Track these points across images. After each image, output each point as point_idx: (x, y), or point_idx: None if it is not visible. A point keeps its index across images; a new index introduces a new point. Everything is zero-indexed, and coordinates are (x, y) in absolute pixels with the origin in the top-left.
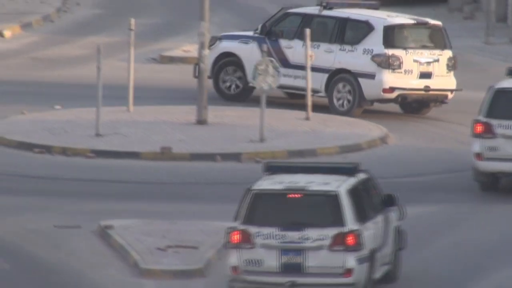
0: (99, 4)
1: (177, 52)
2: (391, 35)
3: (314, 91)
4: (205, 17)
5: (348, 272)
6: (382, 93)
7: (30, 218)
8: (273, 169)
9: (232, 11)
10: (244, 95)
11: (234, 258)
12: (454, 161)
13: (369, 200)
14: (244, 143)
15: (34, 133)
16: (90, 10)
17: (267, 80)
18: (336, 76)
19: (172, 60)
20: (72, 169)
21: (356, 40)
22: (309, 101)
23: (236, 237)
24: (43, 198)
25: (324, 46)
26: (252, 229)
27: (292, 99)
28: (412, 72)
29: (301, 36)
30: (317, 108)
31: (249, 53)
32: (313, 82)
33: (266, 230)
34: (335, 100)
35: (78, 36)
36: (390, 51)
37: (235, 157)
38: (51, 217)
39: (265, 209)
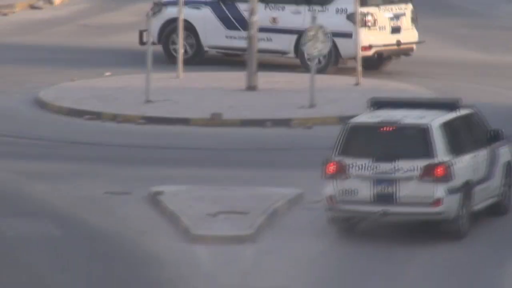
0: None
1: None
2: None
3: (282, 52)
4: None
5: (437, 202)
6: (360, 51)
7: (81, 185)
8: (377, 104)
9: None
10: (195, 60)
11: (330, 188)
12: None
13: (469, 134)
14: (294, 109)
15: (84, 99)
16: None
17: (317, 46)
18: None
19: None
20: (122, 136)
21: (326, 1)
22: (359, 66)
23: (331, 168)
24: (94, 165)
25: (290, 8)
26: (347, 161)
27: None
28: (385, 28)
29: None
30: (367, 73)
31: (202, 19)
32: (280, 43)
33: (360, 162)
34: (307, 59)
35: (127, 3)
36: (365, 9)
37: (285, 123)
38: (102, 183)
39: (360, 141)
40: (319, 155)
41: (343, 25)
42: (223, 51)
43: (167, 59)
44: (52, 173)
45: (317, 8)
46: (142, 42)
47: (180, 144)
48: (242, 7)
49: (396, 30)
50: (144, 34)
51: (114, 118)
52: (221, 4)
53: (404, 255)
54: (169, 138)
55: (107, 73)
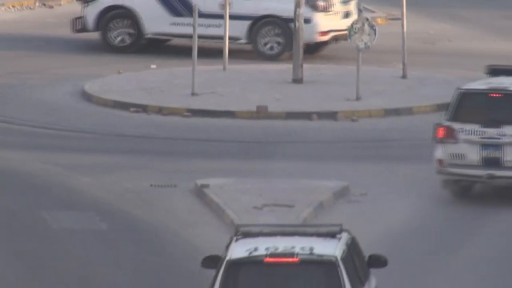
0: None
1: None
2: None
3: (234, 38)
4: None
5: None
6: (318, 36)
7: (127, 177)
8: (493, 71)
9: None
10: (135, 47)
11: (439, 152)
12: None
13: None
14: (340, 101)
15: (130, 92)
16: None
17: (363, 38)
18: (260, 22)
19: None
20: (168, 128)
21: None
22: (405, 59)
23: (441, 132)
24: (139, 157)
25: None
26: (456, 126)
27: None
28: (339, 13)
29: None
30: (412, 67)
31: (145, 5)
32: (232, 29)
33: (468, 127)
34: (261, 46)
35: None
36: None
37: (331, 115)
38: (148, 176)
39: (469, 107)
40: (365, 147)
41: None
42: (167, 37)
43: (104, 47)
44: (97, 166)
45: None
46: (75, 30)
47: (225, 137)
48: None
49: (347, 14)
50: (77, 21)
51: (160, 110)
52: None
53: None
54: (214, 130)
55: (153, 66)
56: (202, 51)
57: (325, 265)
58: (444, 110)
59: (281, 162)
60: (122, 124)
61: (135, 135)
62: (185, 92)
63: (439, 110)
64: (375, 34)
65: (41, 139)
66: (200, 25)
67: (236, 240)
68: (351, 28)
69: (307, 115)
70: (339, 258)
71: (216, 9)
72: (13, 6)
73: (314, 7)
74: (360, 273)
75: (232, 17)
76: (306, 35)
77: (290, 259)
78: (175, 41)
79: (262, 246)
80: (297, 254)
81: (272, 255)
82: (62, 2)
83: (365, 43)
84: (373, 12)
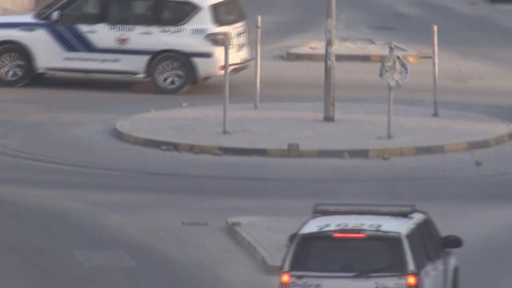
0: None
1: (304, 49)
2: (217, 13)
3: (132, 73)
4: (332, 15)
5: None
6: (219, 70)
7: (158, 215)
8: None
9: (359, 9)
10: (23, 81)
11: None
12: None
13: None
14: (371, 139)
15: (162, 130)
16: None
17: (394, 77)
18: (159, 56)
19: (299, 57)
20: (200, 166)
21: (179, 21)
22: (437, 97)
23: None
24: (171, 195)
25: (140, 28)
26: None
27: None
28: (235, 46)
29: (106, 20)
30: (443, 104)
31: (38, 41)
32: (130, 64)
33: None
34: (160, 80)
35: None
36: (222, 29)
37: (363, 153)
38: (179, 214)
39: None
40: (396, 186)
41: (201, 45)
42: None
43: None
44: (129, 204)
45: (171, 28)
46: None
47: (256, 175)
48: (83, 28)
49: (240, 47)
50: None
51: (191, 148)
52: (59, 25)
53: None
54: (245, 169)
55: (184, 104)
56: (234, 90)
57: (389, 240)
58: (476, 148)
59: (312, 200)
60: (153, 162)
61: (166, 173)
62: (216, 130)
63: (470, 148)
64: (406, 72)
65: (72, 177)
66: (95, 60)
67: (314, 217)
68: (382, 66)
69: (338, 153)
70: (403, 235)
71: (112, 44)
72: None
73: (215, 42)
74: (430, 251)
75: (130, 51)
76: (208, 69)
77: (357, 235)
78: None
79: (333, 223)
80: (364, 230)
81: (341, 230)
82: None
83: (396, 81)
84: (404, 50)
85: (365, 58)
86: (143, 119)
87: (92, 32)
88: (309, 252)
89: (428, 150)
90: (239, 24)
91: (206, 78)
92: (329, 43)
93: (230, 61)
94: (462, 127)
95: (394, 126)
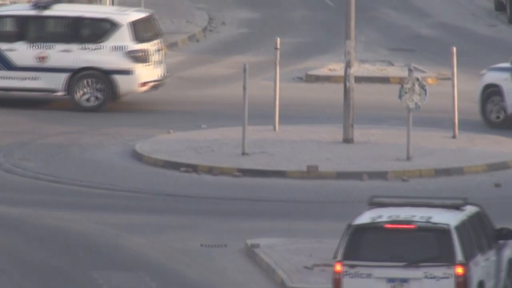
0: (245, 24)
1: (323, 71)
2: (137, 30)
3: (51, 91)
4: (351, 36)
5: None
6: (139, 87)
7: (177, 237)
8: None
9: (378, 30)
10: None
11: None
12: None
13: None
14: (390, 161)
15: (181, 152)
16: (235, 29)
17: (413, 99)
18: (79, 74)
19: (318, 79)
20: (219, 188)
21: (99, 38)
22: (456, 118)
23: None
24: (190, 217)
25: (59, 46)
26: None
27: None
28: (155, 63)
29: (25, 38)
30: (463, 126)
31: None
32: (49, 82)
33: None
34: (81, 97)
35: (223, 56)
36: (141, 46)
37: (382, 175)
38: (198, 236)
39: None
40: None
41: (121, 62)
42: None
43: None
44: (148, 226)
45: (91, 45)
46: None
47: (276, 196)
48: (1, 46)
49: (159, 63)
50: None
51: (210, 170)
52: None
53: None
54: (265, 190)
55: (203, 126)
56: (252, 111)
57: (439, 232)
58: (495, 170)
59: (331, 222)
60: (172, 184)
61: (186, 195)
62: (235, 152)
63: (489, 170)
64: (425, 94)
65: (92, 198)
66: (15, 78)
67: (369, 209)
68: (401, 88)
69: (357, 175)
70: (452, 226)
71: (31, 62)
72: None
73: (135, 59)
74: (482, 242)
75: (50, 69)
76: (128, 86)
77: (407, 226)
78: (231, 100)
79: (386, 215)
80: (415, 222)
81: (392, 222)
82: None
83: (416, 103)
84: (423, 72)
85: (384, 80)
86: (162, 141)
87: (11, 50)
88: (362, 242)
89: (447, 172)
90: (157, 41)
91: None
92: (348, 65)
93: (149, 78)
94: (481, 148)
95: (413, 147)
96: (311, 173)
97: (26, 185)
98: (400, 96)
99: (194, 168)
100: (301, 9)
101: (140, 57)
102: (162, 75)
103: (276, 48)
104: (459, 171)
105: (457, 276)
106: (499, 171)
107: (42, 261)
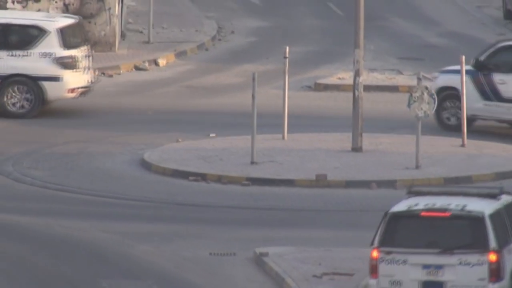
0: (254, 33)
1: (331, 80)
2: (66, 37)
3: None
4: (360, 45)
5: None
6: (67, 93)
7: (186, 246)
8: None
9: (387, 39)
10: None
11: None
12: None
13: None
14: (399, 170)
15: (189, 161)
16: (244, 38)
17: (422, 107)
18: (8, 80)
19: (327, 87)
20: (227, 197)
21: (27, 45)
22: (464, 127)
23: None
24: (199, 226)
25: None
26: None
27: None
28: (84, 69)
29: None
30: (472, 134)
31: None
32: None
33: None
34: (10, 104)
35: (232, 64)
36: (70, 52)
37: (391, 184)
38: (207, 244)
39: None
40: None
41: (49, 68)
42: None
43: None
44: (156, 234)
45: (19, 52)
46: None
47: (284, 205)
48: None
49: (87, 70)
50: None
51: (219, 179)
52: None
53: None
54: (273, 199)
55: (212, 135)
56: (261, 120)
57: (473, 220)
58: (504, 178)
59: (340, 230)
60: (181, 192)
61: (194, 203)
62: (244, 161)
63: (498, 178)
64: (434, 102)
65: (100, 207)
66: None
67: (407, 198)
68: (410, 97)
69: (366, 184)
70: (486, 214)
71: None
72: None
73: (63, 65)
74: None
75: None
76: (56, 92)
77: (442, 214)
78: (240, 109)
79: (422, 203)
80: (450, 210)
81: (428, 209)
82: (121, 71)
83: (425, 112)
84: (432, 80)
85: (393, 89)
86: (171, 150)
87: None
88: (398, 229)
89: (456, 180)
90: (85, 47)
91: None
92: (357, 74)
93: (77, 84)
94: (490, 157)
95: (422, 156)
96: (320, 181)
97: (34, 194)
98: (409, 105)
99: (203, 177)
100: (310, 18)
101: (68, 64)
102: (90, 81)
103: (285, 57)
104: (467, 179)
105: (490, 263)
106: (508, 179)
107: (51, 269)
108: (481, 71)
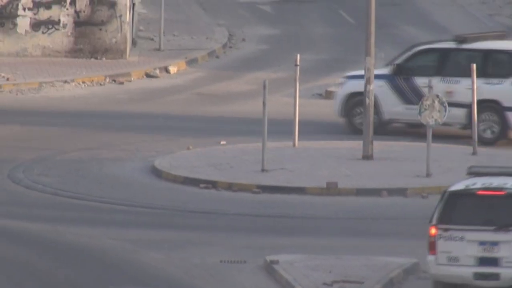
0: (265, 40)
1: None
2: None
3: None
4: (371, 53)
5: None
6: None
7: (196, 253)
8: None
9: (398, 47)
10: None
11: None
12: None
13: None
14: (410, 178)
15: (200, 168)
16: (255, 46)
17: (433, 115)
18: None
19: None
20: (238, 204)
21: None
22: (475, 135)
23: None
24: (209, 233)
25: None
26: None
27: None
28: None
29: None
30: (483, 144)
31: None
32: None
33: None
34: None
35: (243, 72)
36: None
37: (401, 192)
38: (217, 252)
39: None
40: None
41: None
42: None
43: None
44: (167, 242)
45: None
46: None
47: (295, 213)
48: None
49: None
50: None
51: (230, 187)
52: None
53: None
54: (284, 207)
55: (223, 142)
56: (272, 128)
57: None
58: None
59: (350, 238)
60: (191, 200)
61: (205, 211)
62: (254, 168)
63: None
64: (445, 110)
65: (111, 214)
66: None
67: (466, 178)
68: (421, 104)
69: (377, 192)
70: None
71: None
72: (83, 82)
73: None
74: None
75: None
76: None
77: (498, 192)
78: (250, 116)
79: (480, 182)
80: (506, 189)
81: (484, 188)
82: (132, 78)
83: (435, 120)
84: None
85: None
86: (182, 157)
87: None
88: (455, 207)
89: None
90: None
91: None
92: (368, 82)
93: None
94: (502, 165)
95: (433, 164)
96: (331, 189)
97: (45, 201)
98: (420, 113)
99: (213, 185)
100: (321, 25)
101: None
102: None
103: (296, 65)
104: None
105: None
106: None
107: (60, 276)
108: (400, 75)
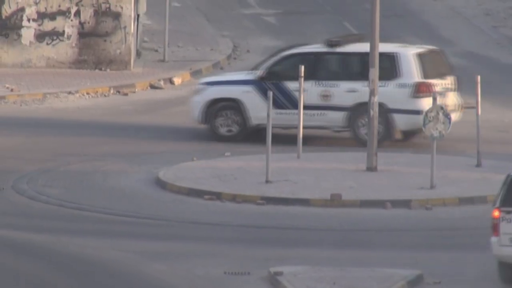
0: (269, 51)
1: None
2: None
3: None
4: (375, 64)
5: None
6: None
7: (200, 264)
8: None
9: None
10: None
11: None
12: None
13: None
14: (414, 190)
15: (204, 179)
16: (260, 57)
17: (437, 127)
18: None
19: None
20: (242, 216)
21: None
22: (480, 147)
23: None
24: (213, 244)
25: None
26: None
27: None
28: None
29: None
30: (486, 155)
31: None
32: None
33: None
34: None
35: None
36: None
37: (405, 204)
38: (221, 263)
39: None
40: (439, 236)
41: None
42: None
43: None
44: (171, 253)
45: None
46: None
47: (299, 224)
48: None
49: None
50: None
51: (234, 198)
52: None
53: None
54: (288, 218)
55: (227, 153)
56: (276, 139)
57: None
58: None
59: (355, 250)
60: (196, 211)
61: (209, 222)
62: (259, 180)
63: None
64: (449, 122)
65: (115, 226)
66: None
67: None
68: (425, 116)
69: (381, 203)
70: None
71: None
72: (87, 93)
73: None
74: None
75: None
76: None
77: None
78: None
79: None
80: None
81: None
82: (136, 89)
83: (440, 132)
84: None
85: None
86: (186, 168)
87: None
88: None
89: (471, 200)
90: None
91: None
92: (372, 93)
93: None
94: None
95: (437, 176)
96: (335, 201)
97: (49, 212)
98: (424, 125)
99: (217, 196)
100: (324, 36)
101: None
102: None
103: (300, 76)
104: (483, 200)
105: None
106: None
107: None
108: (268, 80)
